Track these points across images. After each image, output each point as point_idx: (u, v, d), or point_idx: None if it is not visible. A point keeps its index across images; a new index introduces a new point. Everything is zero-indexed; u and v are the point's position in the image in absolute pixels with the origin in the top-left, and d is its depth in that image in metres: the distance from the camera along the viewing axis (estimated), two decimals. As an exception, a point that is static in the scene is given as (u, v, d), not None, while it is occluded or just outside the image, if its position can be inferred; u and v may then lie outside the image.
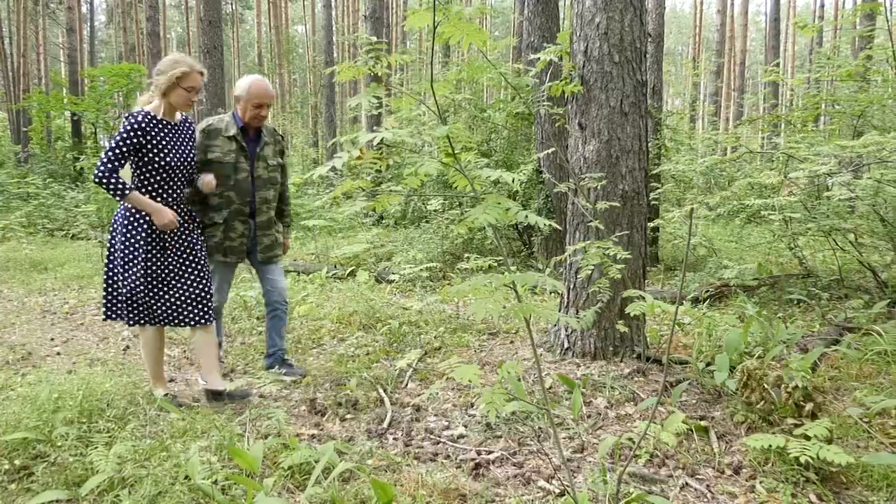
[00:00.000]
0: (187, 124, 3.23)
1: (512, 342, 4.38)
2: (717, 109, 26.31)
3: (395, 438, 2.88)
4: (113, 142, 2.94)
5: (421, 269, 6.10)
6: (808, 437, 2.43)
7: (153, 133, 3.01)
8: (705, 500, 2.37)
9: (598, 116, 3.62)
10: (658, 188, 7.21)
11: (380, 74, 1.70)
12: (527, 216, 1.53)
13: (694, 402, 3.24)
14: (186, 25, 27.71)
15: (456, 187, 1.96)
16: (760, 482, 2.45)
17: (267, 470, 2.47)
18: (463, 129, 2.04)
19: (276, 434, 2.79)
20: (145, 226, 3.05)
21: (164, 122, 3.07)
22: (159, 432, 2.80)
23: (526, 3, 7.01)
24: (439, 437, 2.90)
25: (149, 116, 3.00)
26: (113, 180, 2.90)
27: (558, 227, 2.16)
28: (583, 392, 3.26)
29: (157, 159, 3.02)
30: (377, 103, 9.83)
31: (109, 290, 3.17)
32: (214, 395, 3.25)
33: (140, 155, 3.00)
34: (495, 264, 5.53)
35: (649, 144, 7.31)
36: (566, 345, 3.87)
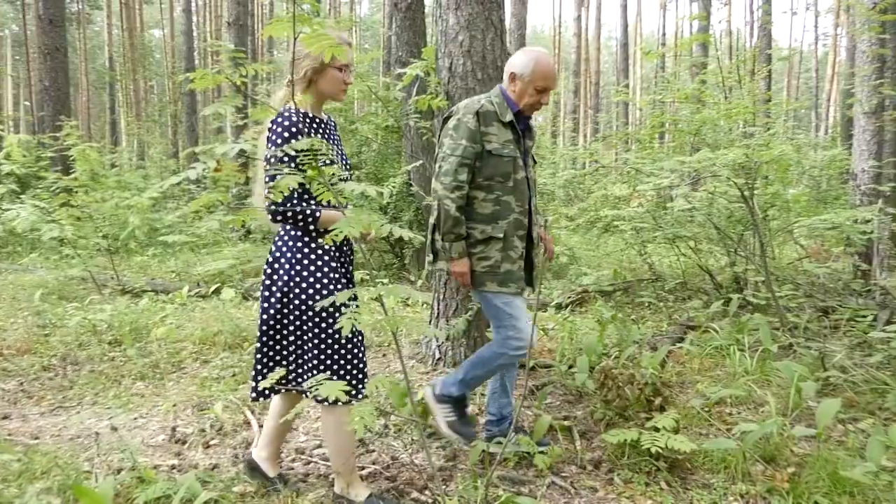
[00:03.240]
0: (333, 122, 2.45)
1: (385, 355, 4.37)
2: (575, 126, 28.04)
3: (263, 462, 2.76)
4: (273, 158, 2.12)
5: (291, 285, 5.93)
6: (657, 429, 2.63)
7: (313, 135, 2.22)
8: (569, 495, 2.49)
9: (463, 131, 3.72)
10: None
11: (238, 84, 1.64)
12: (391, 230, 1.54)
13: (558, 403, 3.41)
14: (24, 24, 25.21)
15: (321, 201, 1.93)
16: (618, 474, 2.61)
17: (119, 507, 2.28)
18: (323, 141, 2.01)
19: (131, 468, 2.58)
20: (326, 258, 2.22)
21: (319, 120, 2.29)
22: (-11, 476, 2.49)
23: (394, 18, 7.08)
24: (311, 456, 2.83)
25: (300, 114, 2.18)
26: (298, 208, 2.12)
27: (422, 238, 2.19)
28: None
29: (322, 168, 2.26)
30: (242, 114, 9.49)
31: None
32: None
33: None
34: (367, 277, 5.50)
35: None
36: (437, 355, 3.93)
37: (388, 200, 6.91)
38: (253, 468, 2.52)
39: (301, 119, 2.14)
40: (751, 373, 3.67)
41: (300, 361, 2.25)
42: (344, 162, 2.35)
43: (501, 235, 2.56)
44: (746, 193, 4.80)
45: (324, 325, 2.18)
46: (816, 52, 34.01)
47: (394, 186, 6.06)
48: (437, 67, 3.86)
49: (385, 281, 6.25)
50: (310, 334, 2.18)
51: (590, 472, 2.66)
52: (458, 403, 2.72)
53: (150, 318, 5.08)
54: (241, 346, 4.48)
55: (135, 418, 3.28)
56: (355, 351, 2.23)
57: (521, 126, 2.66)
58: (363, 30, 35.79)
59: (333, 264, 2.22)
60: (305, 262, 2.18)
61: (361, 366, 2.25)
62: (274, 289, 2.21)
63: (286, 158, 2.06)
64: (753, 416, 3.23)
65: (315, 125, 2.24)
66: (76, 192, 6.76)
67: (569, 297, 5.81)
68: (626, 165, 6.22)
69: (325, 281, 2.19)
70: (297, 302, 2.17)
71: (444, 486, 2.52)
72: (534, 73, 2.55)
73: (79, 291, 6.44)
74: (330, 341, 2.19)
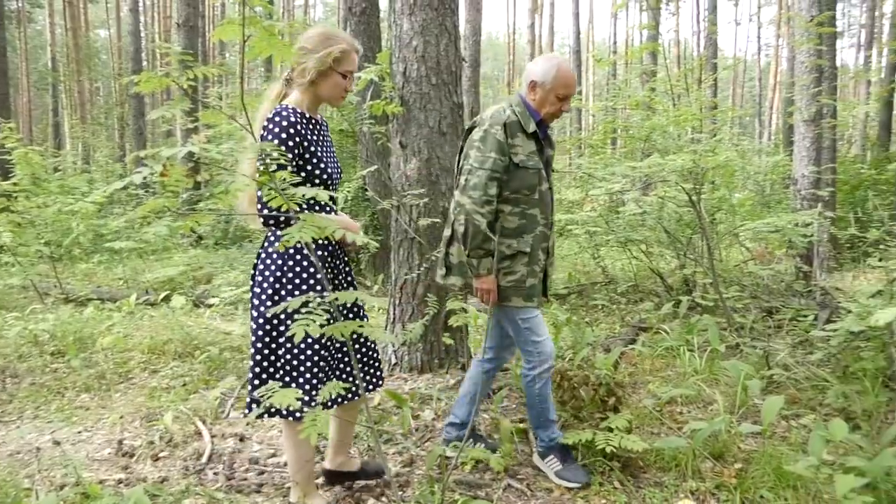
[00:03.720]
0: (326, 124, 2.33)
1: (341, 361, 4.32)
2: (530, 131, 28.32)
3: (215, 473, 2.70)
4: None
5: (243, 291, 5.82)
6: (611, 430, 2.68)
7: (309, 137, 2.11)
8: (525, 497, 2.51)
9: (418, 136, 3.73)
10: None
11: (185, 87, 1.60)
12: (343, 234, 1.53)
13: (514, 405, 3.43)
14: (-42, 21, 24.13)
15: (273, 207, 1.90)
16: (573, 476, 2.64)
17: (62, 525, 2.19)
18: (277, 146, 1.99)
19: (75, 483, 2.48)
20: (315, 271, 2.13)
21: (315, 121, 2.19)
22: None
23: (348, 23, 7.04)
24: (265, 465, 2.78)
25: (298, 113, 2.08)
26: (290, 214, 2.00)
27: (377, 244, 2.18)
28: (411, 406, 3.31)
29: (317, 171, 2.12)
30: (193, 117, 9.27)
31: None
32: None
33: (296, 169, 2.08)
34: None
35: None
36: (394, 360, 3.91)
37: (343, 205, 6.86)
38: (332, 478, 2.51)
39: (299, 120, 2.07)
40: (700, 372, 3.77)
41: (292, 367, 2.13)
42: (335, 166, 2.27)
43: (528, 250, 2.50)
44: (694, 198, 4.94)
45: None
46: (759, 61, 35.33)
47: (349, 191, 6.01)
48: (392, 72, 3.85)
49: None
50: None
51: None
52: (555, 449, 2.67)
53: (95, 328, 4.91)
54: (192, 354, 4.37)
55: (79, 432, 3.17)
56: (322, 363, 2.13)
57: (541, 135, 2.59)
58: (318, 33, 35.43)
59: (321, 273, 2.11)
60: (297, 268, 2.10)
61: (323, 376, 2.14)
62: (264, 297, 2.11)
63: (287, 165, 1.95)
64: (703, 415, 3.32)
65: (311, 126, 2.15)
66: (16, 197, 6.49)
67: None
68: (579, 170, 6.33)
69: (309, 288, 2.10)
70: (281, 292, 2.10)
71: (400, 492, 2.50)
72: (556, 80, 2.47)
73: (19, 301, 6.18)
74: (307, 350, 2.09)
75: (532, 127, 2.50)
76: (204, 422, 3.22)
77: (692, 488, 2.53)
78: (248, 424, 3.22)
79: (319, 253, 2.17)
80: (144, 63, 20.47)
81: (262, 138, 2.03)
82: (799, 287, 5.63)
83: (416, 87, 3.72)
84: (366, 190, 6.53)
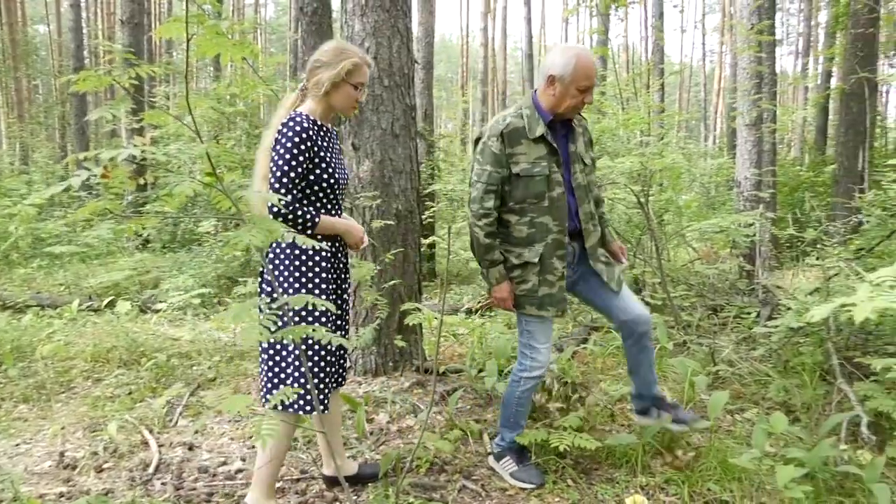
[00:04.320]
0: (335, 133, 2.44)
1: (294, 366, 4.26)
2: (484, 134, 28.51)
3: (163, 483, 2.62)
4: (282, 161, 2.11)
5: (192, 296, 5.68)
6: (565, 428, 2.72)
7: (319, 143, 2.22)
8: (480, 498, 2.52)
9: (370, 138, 3.71)
10: (433, 207, 7.59)
11: (127, 86, 1.55)
12: (293, 238, 1.51)
13: (468, 407, 3.44)
14: None
15: (220, 208, 1.86)
16: (527, 475, 2.67)
17: (-2, 543, 2.10)
18: (225, 147, 1.95)
19: (13, 498, 2.38)
20: (324, 264, 2.24)
21: (326, 129, 2.31)
22: None
23: (300, 23, 6.95)
24: (215, 474, 2.71)
25: (311, 120, 2.20)
26: (300, 212, 2.12)
27: (326, 247, 2.16)
28: (366, 409, 3.29)
29: (325, 175, 2.22)
30: (139, 117, 8.97)
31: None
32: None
33: (307, 172, 2.19)
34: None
35: (422, 165, 7.68)
36: (347, 363, 3.87)
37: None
38: (332, 483, 2.53)
39: (311, 126, 2.18)
40: (649, 370, 3.86)
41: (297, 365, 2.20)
42: (343, 172, 2.36)
43: (537, 260, 2.46)
44: (642, 199, 5.06)
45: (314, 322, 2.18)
46: (704, 67, 36.43)
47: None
48: (344, 73, 3.82)
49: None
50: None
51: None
52: (512, 450, 2.67)
53: (34, 336, 4.71)
54: (139, 361, 4.24)
55: (17, 444, 3.03)
56: (322, 364, 2.21)
57: (560, 133, 2.51)
58: (269, 33, 34.93)
59: (327, 274, 2.24)
60: (302, 267, 2.19)
61: (324, 376, 2.23)
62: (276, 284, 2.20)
63: (298, 167, 2.12)
64: (652, 411, 3.39)
65: (322, 133, 2.26)
66: (-53, 199, 6.17)
67: (479, 302, 5.90)
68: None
69: (316, 288, 2.20)
70: (291, 291, 2.18)
71: (355, 497, 2.48)
72: (576, 71, 2.36)
73: (-49, 308, 5.88)
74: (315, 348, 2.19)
75: (539, 131, 2.43)
76: (151, 431, 3.12)
77: (642, 483, 2.59)
78: (196, 433, 3.14)
79: (328, 249, 2.26)
80: (87, 60, 19.77)
81: (276, 142, 2.14)
82: (742, 285, 5.82)
83: (368, 88, 3.69)
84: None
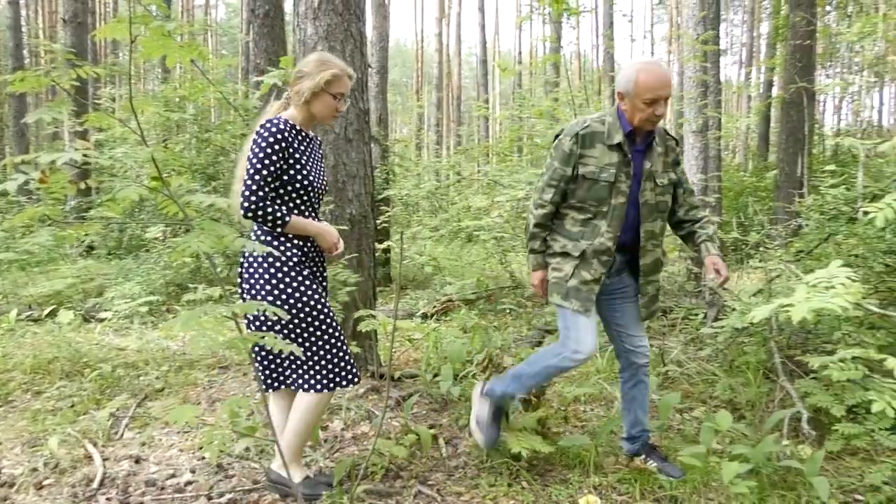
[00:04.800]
0: (318, 141, 2.56)
1: (245, 374, 4.18)
2: (439, 138, 28.65)
3: (108, 499, 2.53)
4: (255, 160, 2.21)
5: (140, 304, 5.51)
6: (520, 430, 2.74)
7: (295, 145, 2.32)
8: (436, 503, 2.52)
9: (323, 142, 3.67)
10: (388, 211, 7.57)
11: (67, 87, 1.50)
12: (243, 244, 1.48)
13: (424, 412, 3.44)
14: None
15: (168, 213, 1.81)
16: (483, 478, 2.68)
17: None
18: (173, 151, 1.90)
19: (-57, 519, 2.26)
20: (296, 263, 2.34)
21: (304, 134, 2.42)
22: None
23: (252, 25, 6.85)
24: (163, 487, 2.63)
25: (289, 124, 2.31)
26: (271, 210, 2.21)
27: (277, 252, 2.13)
28: (322, 418, 3.24)
29: (299, 177, 2.32)
30: (83, 119, 8.66)
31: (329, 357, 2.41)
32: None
33: (280, 172, 2.29)
34: (227, 294, 5.25)
35: (377, 170, 7.65)
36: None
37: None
38: (275, 482, 2.50)
39: (289, 130, 2.29)
40: (602, 371, 3.93)
41: (287, 356, 2.40)
42: (320, 178, 2.45)
43: (578, 254, 2.52)
44: (594, 204, 5.14)
45: (305, 317, 2.31)
46: (653, 75, 37.30)
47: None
48: (296, 77, 3.78)
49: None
50: (291, 327, 2.31)
51: (456, 479, 2.71)
52: (494, 401, 2.68)
53: (-32, 348, 4.49)
54: (82, 373, 4.08)
55: None
56: (333, 341, 2.38)
57: (639, 146, 2.53)
58: (220, 35, 34.25)
59: (303, 266, 2.35)
60: (277, 263, 2.29)
61: (343, 353, 2.41)
62: (253, 292, 2.32)
63: (270, 166, 2.22)
64: (605, 412, 3.46)
65: (300, 138, 2.37)
66: None
67: (434, 307, 5.90)
68: (485, 177, 6.45)
69: (296, 292, 2.31)
70: (270, 298, 2.28)
71: (309, 506, 2.44)
72: (637, 85, 2.39)
73: None
74: (315, 332, 2.34)
75: (617, 138, 2.46)
76: (95, 444, 3.01)
77: (595, 483, 2.63)
78: (143, 445, 3.05)
79: (296, 253, 2.36)
80: (27, 61, 19.01)
81: (253, 142, 2.26)
82: (690, 287, 5.98)
83: (322, 92, 3.67)
84: (271, 197, 6.35)
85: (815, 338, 3.68)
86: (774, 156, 11.37)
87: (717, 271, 2.53)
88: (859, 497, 2.51)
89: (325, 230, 2.39)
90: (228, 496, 2.52)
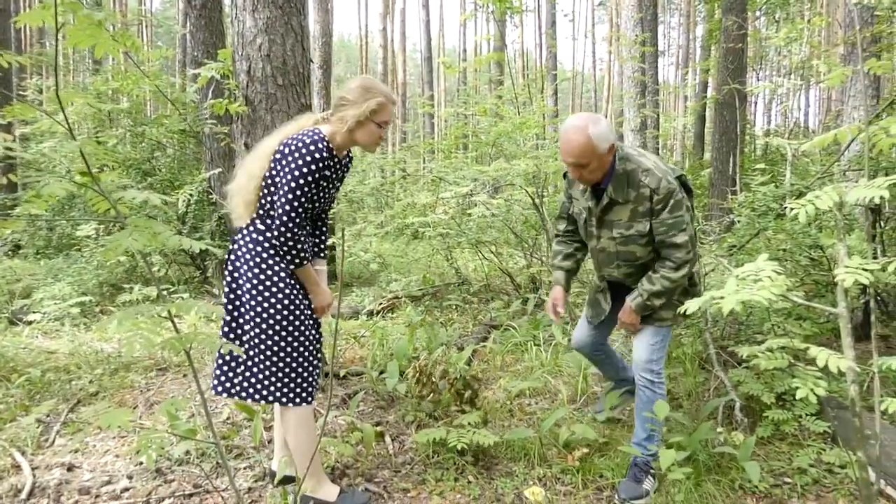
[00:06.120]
0: (349, 159, 2.46)
1: (185, 375, 4.06)
2: (384, 135, 28.42)
3: (37, 509, 2.42)
4: (295, 183, 2.13)
5: (71, 305, 5.28)
6: (465, 426, 2.76)
7: (327, 173, 2.24)
8: (383, 500, 2.52)
9: (264, 137, 3.59)
10: (332, 209, 7.47)
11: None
12: (180, 241, 1.44)
13: (370, 409, 3.42)
14: None
15: (99, 211, 1.74)
16: (429, 473, 2.69)
17: None
18: (105, 145, 1.83)
19: None
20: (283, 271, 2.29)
21: (337, 159, 2.31)
22: None
23: (188, 17, 6.64)
24: (98, 494, 2.54)
25: (330, 149, 2.22)
26: (299, 247, 2.20)
27: (217, 251, 2.08)
28: (263, 418, 3.18)
29: (314, 199, 2.28)
30: (3, 111, 8.21)
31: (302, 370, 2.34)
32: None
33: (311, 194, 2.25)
34: (165, 293, 5.09)
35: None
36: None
37: (185, 210, 6.45)
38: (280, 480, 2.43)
39: (328, 152, 2.20)
40: (546, 365, 4.00)
41: (255, 362, 2.30)
42: (330, 199, 2.42)
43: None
44: (537, 201, 5.23)
45: (279, 329, 2.23)
46: (595, 75, 38.21)
47: (191, 195, 5.66)
48: (235, 70, 3.68)
49: (185, 295, 5.82)
50: (264, 337, 2.24)
51: (403, 475, 2.71)
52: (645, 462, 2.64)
53: None
54: (9, 378, 3.88)
55: None
56: (306, 354, 2.31)
57: (597, 193, 2.56)
58: (156, 26, 33.05)
59: (292, 278, 2.29)
60: (268, 271, 2.24)
61: (312, 369, 2.34)
62: (239, 292, 2.30)
63: (308, 192, 2.17)
64: (549, 405, 3.52)
65: (333, 161, 2.28)
66: None
67: (380, 304, 5.87)
68: (430, 174, 6.46)
69: (280, 282, 2.25)
70: (252, 303, 2.23)
71: (252, 509, 2.40)
72: (562, 152, 2.42)
73: None
74: (286, 346, 2.26)
75: (581, 185, 2.60)
76: (23, 453, 2.87)
77: (540, 475, 2.68)
78: (76, 451, 2.92)
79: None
80: (-57, 48, 17.89)
81: (286, 146, 2.20)
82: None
83: (262, 86, 3.59)
84: (210, 193, 6.19)
85: (747, 329, 3.84)
86: (709, 154, 11.80)
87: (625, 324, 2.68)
88: (788, 479, 2.64)
89: (323, 293, 2.39)
90: (168, 501, 2.45)
